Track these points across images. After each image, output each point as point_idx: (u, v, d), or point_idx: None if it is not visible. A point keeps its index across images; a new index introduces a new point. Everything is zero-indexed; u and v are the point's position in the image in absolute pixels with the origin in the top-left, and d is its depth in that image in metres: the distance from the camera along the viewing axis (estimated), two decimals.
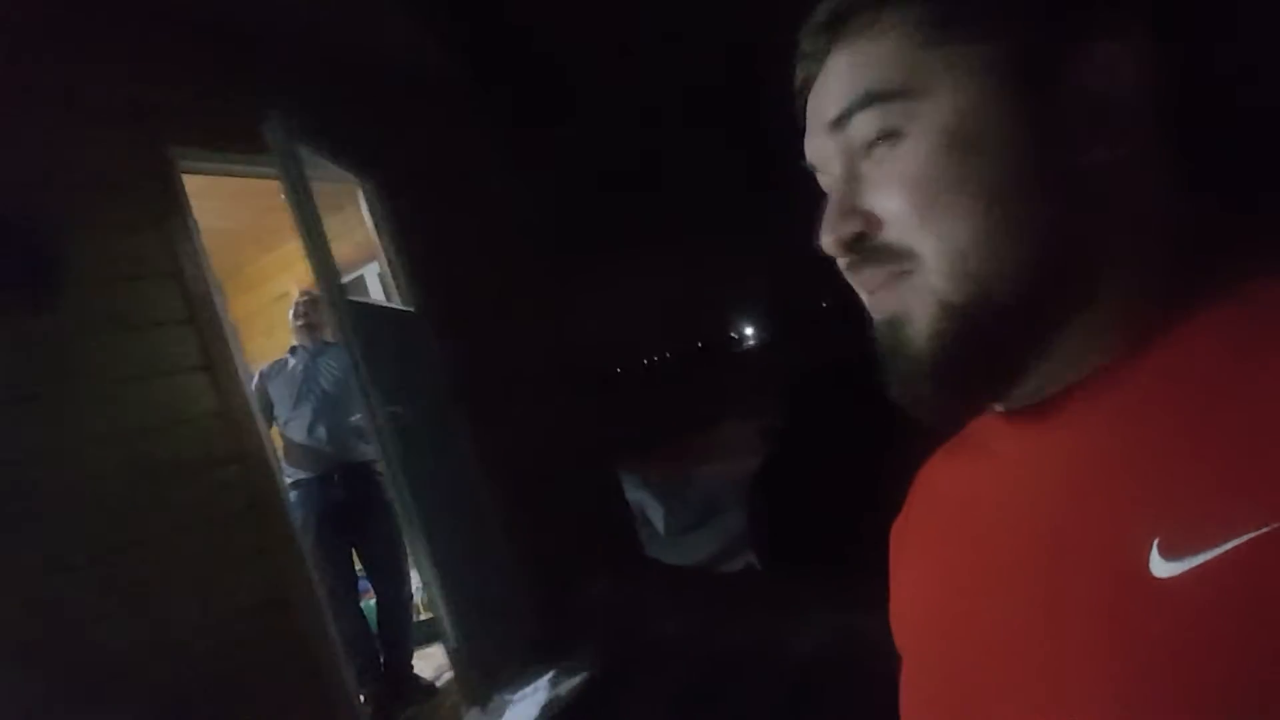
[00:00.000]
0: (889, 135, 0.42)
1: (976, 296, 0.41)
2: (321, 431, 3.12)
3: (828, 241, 0.45)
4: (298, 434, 3.12)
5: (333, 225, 4.59)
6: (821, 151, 0.47)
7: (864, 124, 0.43)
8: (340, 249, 4.68)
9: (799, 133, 0.50)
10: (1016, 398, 0.44)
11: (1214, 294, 0.38)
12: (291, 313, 3.38)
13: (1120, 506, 0.37)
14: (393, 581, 3.10)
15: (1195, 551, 0.33)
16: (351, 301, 2.89)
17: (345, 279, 4.70)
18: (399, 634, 3.08)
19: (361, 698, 2.70)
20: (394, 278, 3.62)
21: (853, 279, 0.47)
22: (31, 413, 2.11)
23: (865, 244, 0.44)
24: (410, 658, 3.11)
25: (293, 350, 3.36)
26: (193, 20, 2.78)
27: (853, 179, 0.45)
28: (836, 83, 0.45)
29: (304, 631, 2.55)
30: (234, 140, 2.85)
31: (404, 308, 3.48)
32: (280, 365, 3.34)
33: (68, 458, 2.16)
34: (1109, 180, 0.40)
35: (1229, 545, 0.32)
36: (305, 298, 3.38)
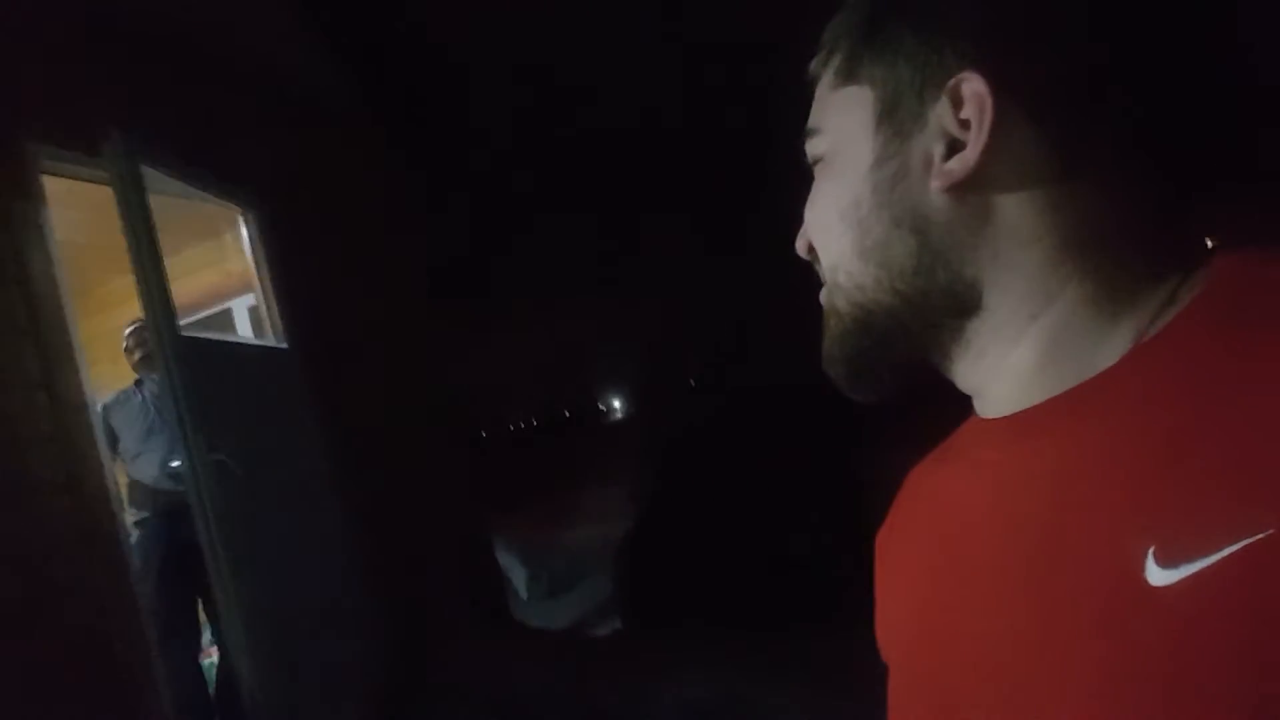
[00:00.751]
0: (816, 162, 0.50)
1: (849, 304, 0.48)
2: (160, 465, 2.92)
3: (801, 245, 0.53)
4: (147, 471, 2.92)
5: (202, 252, 4.37)
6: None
7: (808, 148, 0.51)
8: (208, 278, 4.43)
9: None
10: (994, 403, 0.46)
11: (1195, 294, 0.39)
12: (125, 345, 3.20)
13: (1114, 515, 0.36)
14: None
15: (1191, 559, 0.33)
16: (186, 337, 2.67)
17: (209, 311, 4.45)
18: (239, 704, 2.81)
19: None
20: (268, 312, 3.44)
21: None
22: None
23: (811, 251, 0.52)
24: None
25: (138, 383, 3.17)
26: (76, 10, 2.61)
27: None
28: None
29: (127, 681, 2.29)
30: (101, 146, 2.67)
31: (263, 345, 3.30)
32: (125, 397, 3.13)
33: None
34: (984, 200, 0.43)
35: (1225, 552, 0.32)
36: (135, 326, 3.19)
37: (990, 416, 0.46)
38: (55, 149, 2.55)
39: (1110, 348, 0.41)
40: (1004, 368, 0.45)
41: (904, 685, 0.51)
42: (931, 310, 0.45)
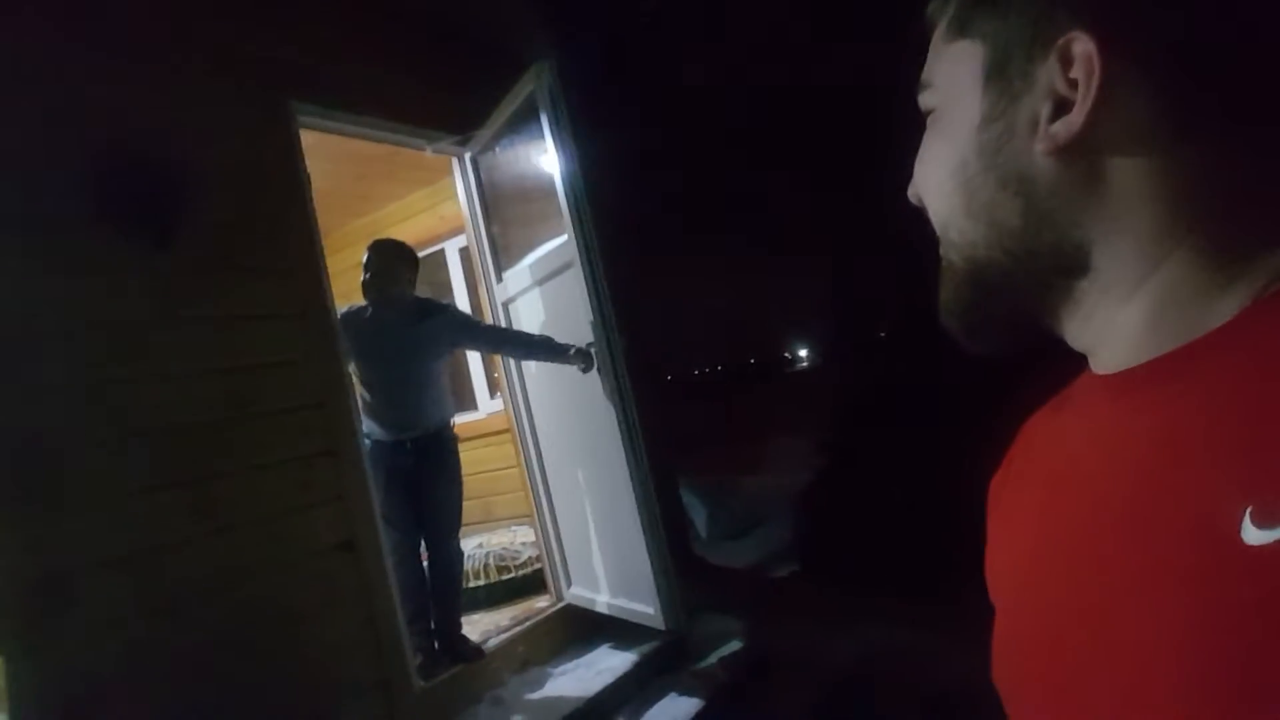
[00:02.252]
0: (929, 113, 0.51)
1: (962, 259, 0.49)
2: (403, 406, 3.12)
3: (910, 195, 0.54)
4: (379, 403, 3.10)
5: (421, 197, 4.76)
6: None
7: (920, 100, 0.52)
8: (425, 221, 4.82)
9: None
10: (1105, 361, 0.46)
11: None
12: (366, 272, 3.08)
13: (1213, 472, 0.37)
14: (446, 543, 3.17)
15: None
16: None
17: (424, 253, 4.84)
18: (450, 594, 3.15)
19: (411, 650, 2.77)
20: (477, 253, 3.70)
21: None
22: (138, 343, 2.22)
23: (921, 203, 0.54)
24: (459, 617, 3.17)
25: (365, 292, 3.10)
26: None
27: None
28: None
29: (368, 577, 2.63)
30: (353, 99, 2.97)
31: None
32: (364, 314, 3.11)
33: (171, 387, 2.27)
34: (1092, 163, 0.43)
35: None
36: (385, 246, 3.18)
37: (1101, 373, 0.47)
38: (313, 105, 2.84)
39: (1221, 310, 0.40)
40: (1113, 328, 0.45)
41: (1008, 627, 0.52)
42: (1040, 269, 0.46)
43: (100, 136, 2.21)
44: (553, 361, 3.24)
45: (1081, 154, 0.43)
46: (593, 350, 3.06)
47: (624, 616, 3.24)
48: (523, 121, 3.19)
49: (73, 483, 2.03)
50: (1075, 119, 0.42)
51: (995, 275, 0.48)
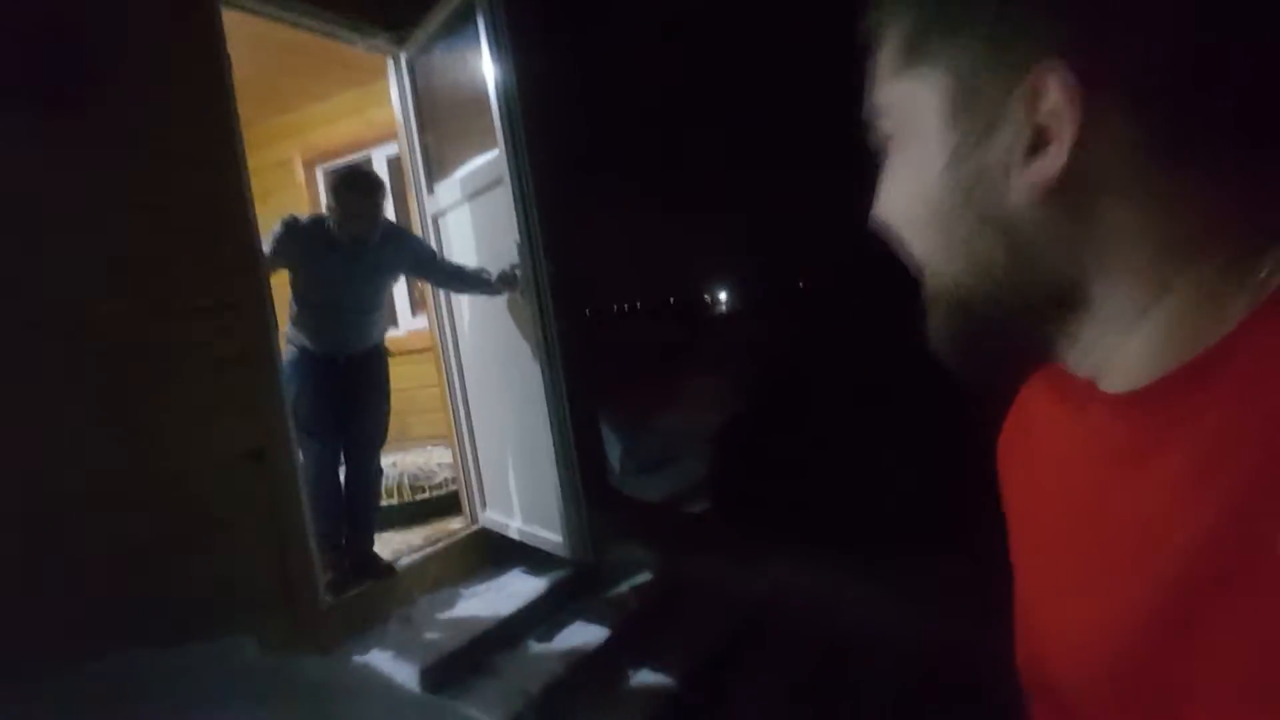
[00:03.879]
0: (887, 139, 0.48)
1: (946, 290, 0.46)
2: (349, 326, 3.02)
3: (874, 222, 0.51)
4: (322, 322, 2.97)
5: (347, 100, 4.50)
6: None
7: (875, 124, 0.49)
8: (350, 126, 4.57)
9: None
10: (1110, 385, 0.43)
11: None
12: (355, 193, 2.89)
13: (1247, 483, 0.35)
14: (367, 457, 3.10)
15: None
16: None
17: (350, 158, 4.60)
18: (365, 510, 3.09)
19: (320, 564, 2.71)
20: (410, 161, 3.54)
21: None
22: (38, 221, 2.04)
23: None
24: (372, 534, 3.12)
25: (342, 226, 2.89)
26: None
27: None
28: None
29: (277, 489, 2.54)
30: None
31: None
32: (319, 231, 2.92)
33: (79, 275, 2.10)
34: (1078, 199, 0.40)
35: None
36: (369, 181, 2.98)
37: (1109, 392, 0.44)
38: None
39: (1230, 319, 0.38)
40: (1117, 357, 0.42)
41: (1035, 621, 0.51)
42: (1032, 302, 0.43)
43: None
44: (483, 293, 3.16)
45: (1065, 191, 0.39)
46: (516, 272, 2.99)
47: (534, 544, 3.25)
48: (462, 23, 3.01)
49: None
50: (1056, 158, 0.39)
51: (982, 305, 0.45)
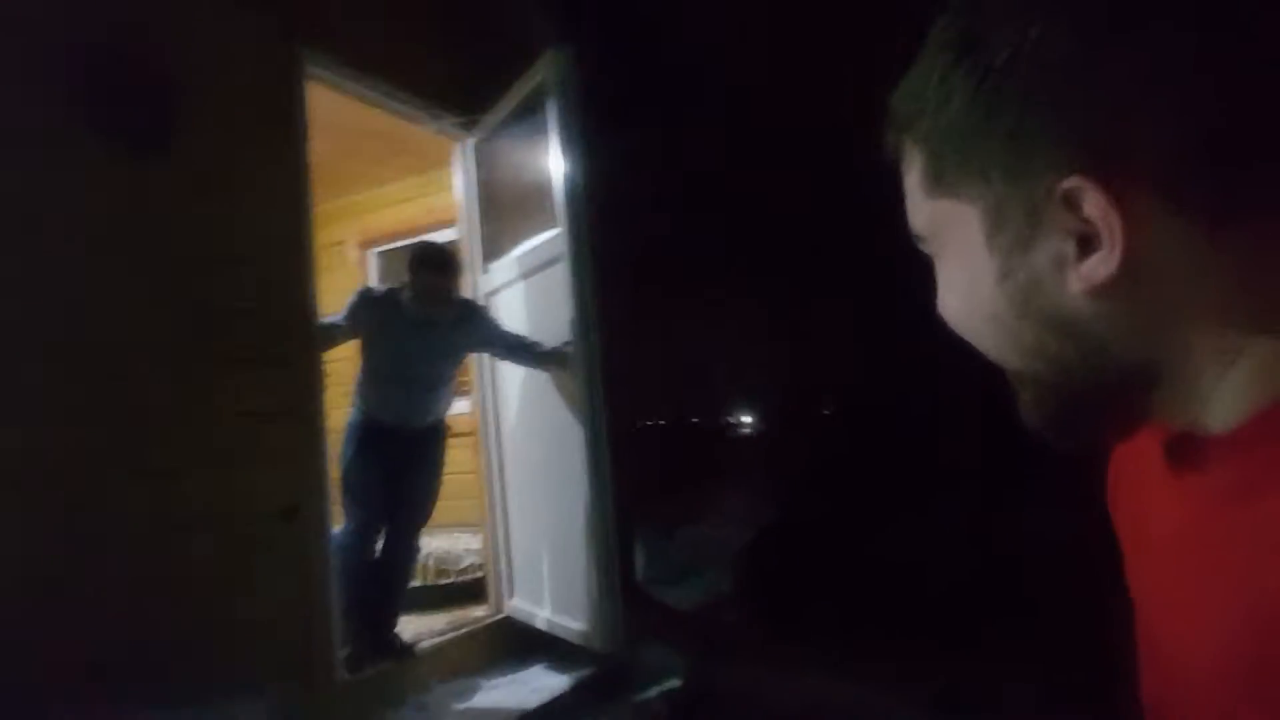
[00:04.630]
0: (935, 258, 0.49)
1: (1029, 384, 0.47)
2: (415, 400, 3.01)
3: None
4: (389, 393, 2.95)
5: (405, 188, 4.64)
6: (915, 219, 0.50)
7: (919, 244, 0.50)
8: (408, 211, 4.70)
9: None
10: (1209, 424, 0.43)
11: None
12: (434, 271, 2.90)
13: None
14: (408, 534, 3.03)
15: None
16: None
17: (405, 243, 4.71)
18: (397, 587, 2.99)
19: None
20: (470, 244, 3.60)
21: None
22: (110, 256, 2.07)
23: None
24: (397, 613, 2.99)
25: (418, 302, 2.90)
26: None
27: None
28: (910, 181, 0.49)
29: (307, 551, 2.46)
30: (364, 61, 2.88)
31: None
32: (394, 303, 2.93)
33: (139, 306, 2.11)
34: (1134, 290, 0.40)
35: None
36: (447, 256, 3.00)
37: (1205, 435, 0.43)
38: (327, 58, 2.75)
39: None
40: (1206, 413, 0.42)
41: (1149, 627, 0.51)
42: (1112, 383, 0.44)
43: (98, 43, 2.08)
44: (535, 366, 3.15)
45: (1122, 284, 0.39)
46: (567, 349, 2.97)
47: (561, 634, 3.09)
48: (530, 110, 3.11)
49: (5, 385, 1.85)
50: (1109, 260, 0.39)
51: (1068, 389, 0.45)
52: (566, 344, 2.97)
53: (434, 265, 2.90)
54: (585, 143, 2.98)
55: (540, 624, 3.19)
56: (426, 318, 2.91)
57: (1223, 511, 0.41)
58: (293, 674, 2.38)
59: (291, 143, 2.59)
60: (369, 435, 2.92)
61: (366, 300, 2.92)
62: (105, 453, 2.03)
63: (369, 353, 2.97)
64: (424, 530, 3.98)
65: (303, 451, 2.49)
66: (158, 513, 2.11)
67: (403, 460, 2.96)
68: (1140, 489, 0.53)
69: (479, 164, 3.52)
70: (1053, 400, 0.46)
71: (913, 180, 0.47)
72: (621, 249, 3.55)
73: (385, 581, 2.95)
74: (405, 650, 2.88)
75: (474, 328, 3.08)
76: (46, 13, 1.99)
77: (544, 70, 2.96)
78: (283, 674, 2.33)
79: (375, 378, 2.97)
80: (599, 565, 2.91)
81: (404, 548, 3.02)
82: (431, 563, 3.68)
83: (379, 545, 2.99)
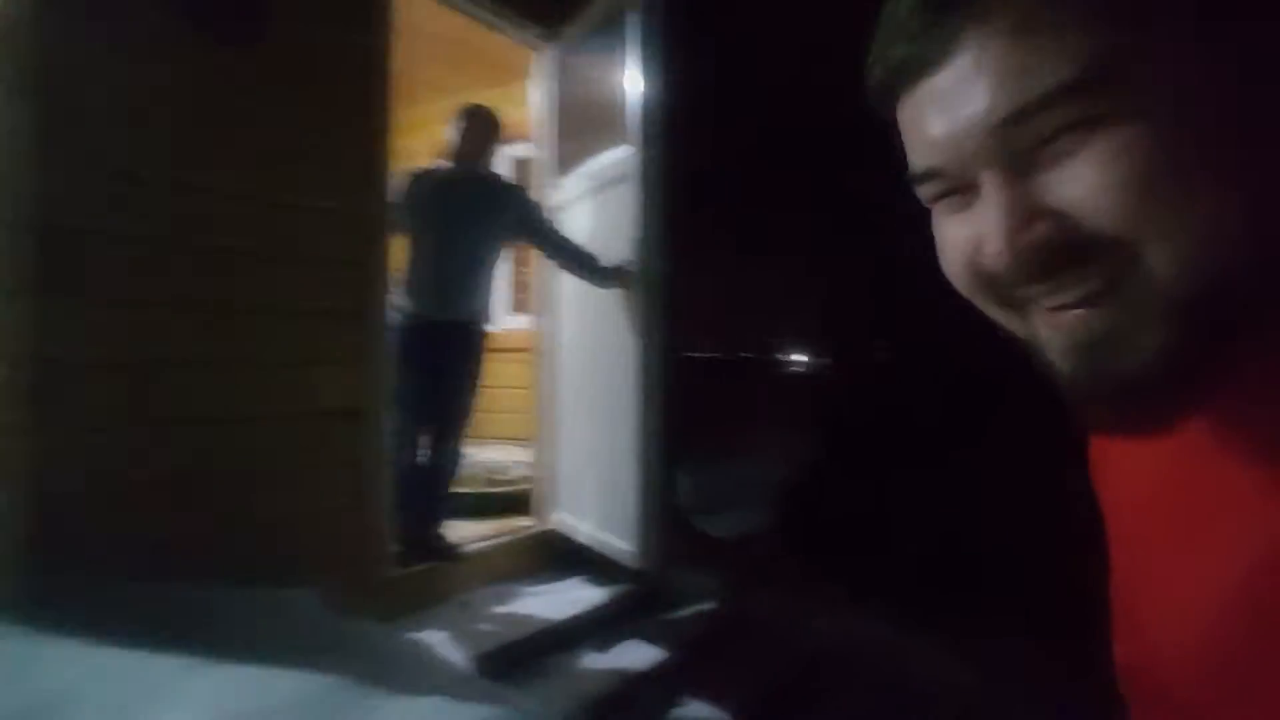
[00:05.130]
0: (1085, 123, 0.37)
1: (1213, 287, 0.37)
2: (449, 279, 3.00)
3: (1008, 254, 0.39)
4: (424, 273, 2.97)
5: (483, 98, 4.60)
6: (966, 151, 0.40)
7: (1051, 117, 0.37)
8: None
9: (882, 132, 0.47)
10: None
11: None
12: (468, 121, 3.06)
13: None
14: (450, 439, 3.08)
15: None
16: None
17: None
18: (440, 488, 3.07)
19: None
20: (547, 160, 3.58)
21: (1044, 298, 0.41)
22: (193, 147, 2.11)
23: (1063, 249, 0.38)
24: (443, 515, 3.09)
25: (451, 172, 3.04)
26: None
27: (1025, 177, 0.39)
28: (998, 71, 0.38)
29: (364, 450, 2.54)
30: None
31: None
32: (434, 174, 3.03)
33: (215, 203, 2.16)
34: None
35: None
36: (485, 112, 3.10)
37: None
38: None
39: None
40: None
41: (1136, 586, 0.51)
42: None
43: None
44: (591, 281, 3.13)
45: None
46: (629, 269, 2.96)
47: (601, 550, 3.17)
48: (611, 22, 3.04)
49: (91, 277, 1.93)
50: None
51: (1234, 303, 0.41)
52: (627, 263, 2.96)
53: (470, 120, 3.02)
54: (663, 60, 2.90)
55: (582, 538, 3.27)
56: (462, 188, 2.96)
57: (1204, 468, 0.41)
58: (346, 565, 2.49)
59: (376, 44, 2.58)
60: (407, 336, 2.93)
61: (409, 180, 2.95)
62: (189, 344, 2.11)
63: (410, 235, 2.97)
64: (476, 443, 4.09)
65: (364, 352, 2.55)
66: (231, 404, 2.20)
67: (440, 361, 2.99)
68: (1122, 447, 0.52)
69: (558, 76, 3.47)
70: (1191, 335, 0.38)
71: (1073, 20, 0.37)
72: (693, 172, 3.49)
73: (428, 483, 3.03)
74: (450, 551, 2.99)
75: (515, 210, 3.06)
76: None
77: None
78: (337, 564, 2.44)
79: (413, 261, 2.97)
80: (643, 488, 2.97)
81: (446, 450, 3.07)
82: (480, 470, 3.78)
83: (422, 448, 3.06)
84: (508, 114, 4.37)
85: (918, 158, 0.44)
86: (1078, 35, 0.36)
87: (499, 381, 4.57)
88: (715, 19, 3.86)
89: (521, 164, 4.46)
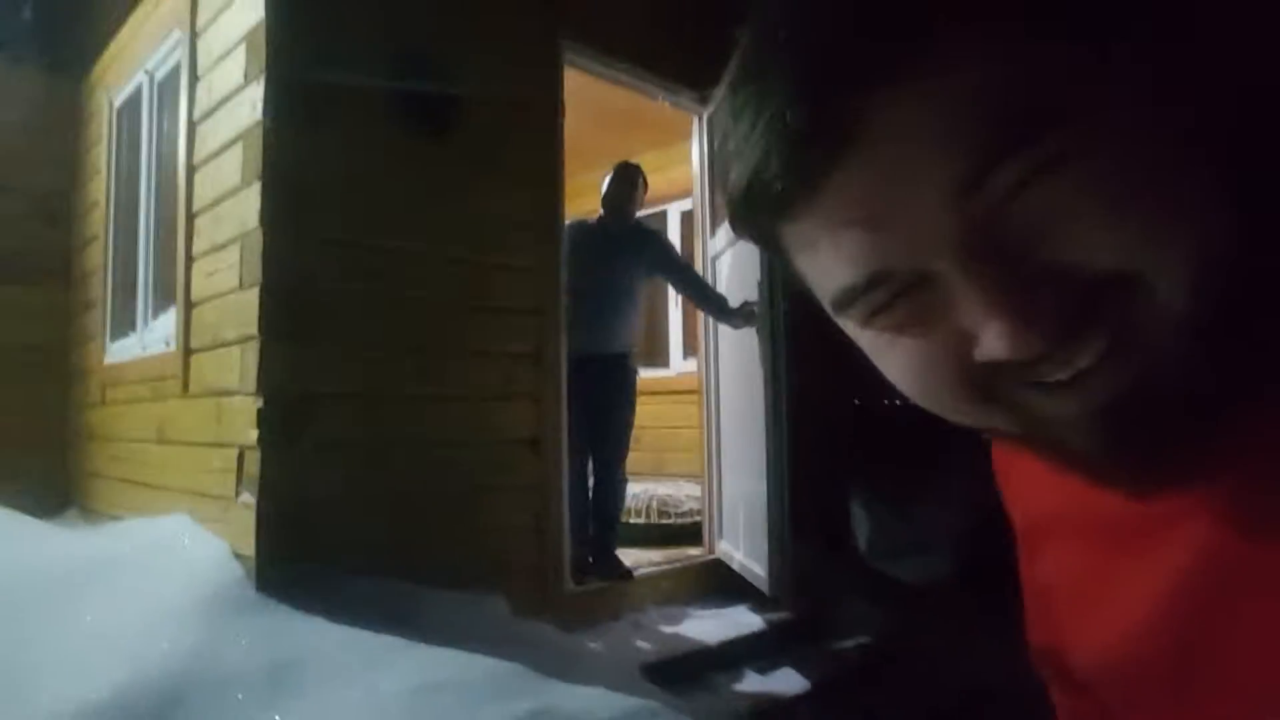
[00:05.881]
0: (1047, 166, 0.32)
1: (1217, 300, 0.34)
2: (597, 319, 3.32)
3: (1020, 339, 0.33)
4: (576, 314, 3.18)
5: (651, 159, 4.99)
6: (919, 240, 0.34)
7: (1014, 168, 0.32)
8: (652, 182, 5.04)
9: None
10: None
11: None
12: (615, 180, 3.50)
13: (1269, 490, 0.35)
14: (612, 465, 3.38)
15: None
16: None
17: (647, 213, 5.07)
18: (610, 513, 3.36)
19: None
20: (702, 217, 3.88)
21: (1056, 371, 0.35)
22: (406, 220, 2.58)
23: (1075, 301, 0.33)
24: (615, 539, 3.37)
25: (601, 220, 3.51)
26: None
27: (998, 245, 0.33)
28: (938, 133, 0.33)
29: (546, 476, 2.87)
30: (611, 44, 3.23)
31: None
32: (588, 225, 3.50)
33: (422, 265, 2.60)
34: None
35: None
36: (631, 168, 3.53)
37: None
38: (582, 46, 3.13)
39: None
40: None
41: (1060, 612, 0.51)
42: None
43: (403, 42, 2.57)
44: (718, 318, 3.44)
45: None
46: (754, 308, 3.19)
47: (745, 575, 3.38)
48: None
49: (329, 326, 2.40)
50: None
51: (1238, 319, 0.36)
52: (752, 303, 3.23)
53: (616, 175, 3.41)
54: None
55: (735, 565, 3.44)
56: (610, 234, 3.33)
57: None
58: (530, 579, 2.81)
59: (550, 122, 2.99)
60: (570, 372, 3.16)
61: (570, 230, 3.25)
62: (404, 383, 2.55)
63: (569, 278, 3.13)
64: (652, 478, 4.37)
65: (545, 389, 2.90)
66: (439, 432, 2.62)
67: (595, 395, 3.28)
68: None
69: (710, 136, 3.77)
70: (1203, 362, 0.34)
71: (1018, 55, 0.33)
72: None
73: (600, 508, 3.34)
74: (625, 573, 3.25)
75: (649, 248, 3.41)
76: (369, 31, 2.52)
77: None
78: (521, 578, 2.77)
79: (572, 303, 3.13)
80: (772, 521, 3.17)
81: (607, 478, 3.37)
82: (654, 504, 4.04)
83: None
84: (674, 172, 4.75)
85: (842, 276, 0.37)
86: (1020, 79, 0.33)
87: (676, 422, 4.86)
88: None
89: (687, 217, 4.78)
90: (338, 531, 2.34)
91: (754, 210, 0.38)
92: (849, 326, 0.40)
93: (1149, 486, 0.37)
